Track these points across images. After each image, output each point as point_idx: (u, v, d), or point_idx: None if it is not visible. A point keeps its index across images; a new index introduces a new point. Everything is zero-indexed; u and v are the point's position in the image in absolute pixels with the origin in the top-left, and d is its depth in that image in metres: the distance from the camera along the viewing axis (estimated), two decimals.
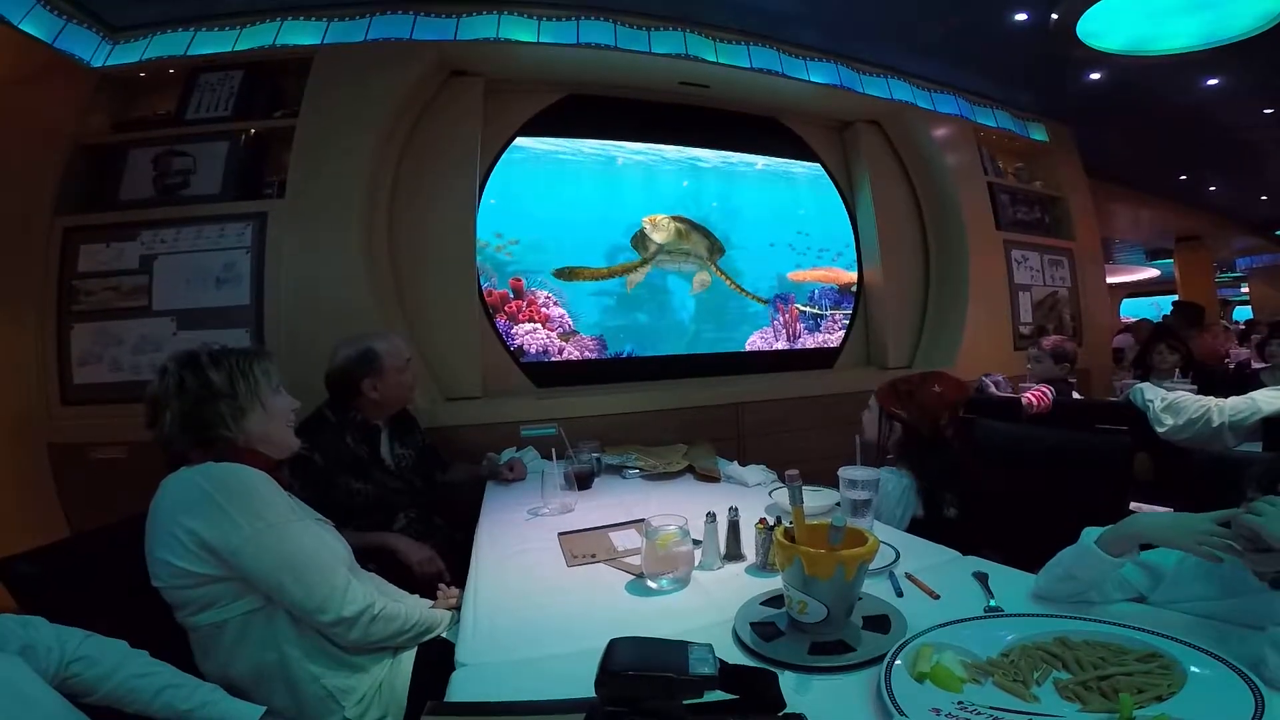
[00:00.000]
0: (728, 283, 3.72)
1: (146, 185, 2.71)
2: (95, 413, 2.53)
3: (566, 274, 3.37)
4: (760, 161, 3.88)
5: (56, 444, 2.52)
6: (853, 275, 4.05)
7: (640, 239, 3.53)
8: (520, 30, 2.95)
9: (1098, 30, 3.34)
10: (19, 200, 2.54)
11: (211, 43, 2.83)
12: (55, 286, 2.58)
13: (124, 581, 1.16)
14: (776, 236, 3.87)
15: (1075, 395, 3.03)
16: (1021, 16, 3.29)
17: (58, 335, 2.57)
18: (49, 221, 2.59)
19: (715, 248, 3.70)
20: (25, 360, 2.52)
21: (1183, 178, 6.61)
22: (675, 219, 3.60)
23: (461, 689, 0.91)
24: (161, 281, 2.61)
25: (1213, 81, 4.12)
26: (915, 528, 1.64)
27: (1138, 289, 13.41)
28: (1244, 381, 3.07)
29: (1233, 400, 2.17)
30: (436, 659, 1.20)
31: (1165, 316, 5.65)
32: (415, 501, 2.01)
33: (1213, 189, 7.14)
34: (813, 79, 3.54)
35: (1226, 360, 4.46)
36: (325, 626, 1.15)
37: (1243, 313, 12.02)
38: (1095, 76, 4.00)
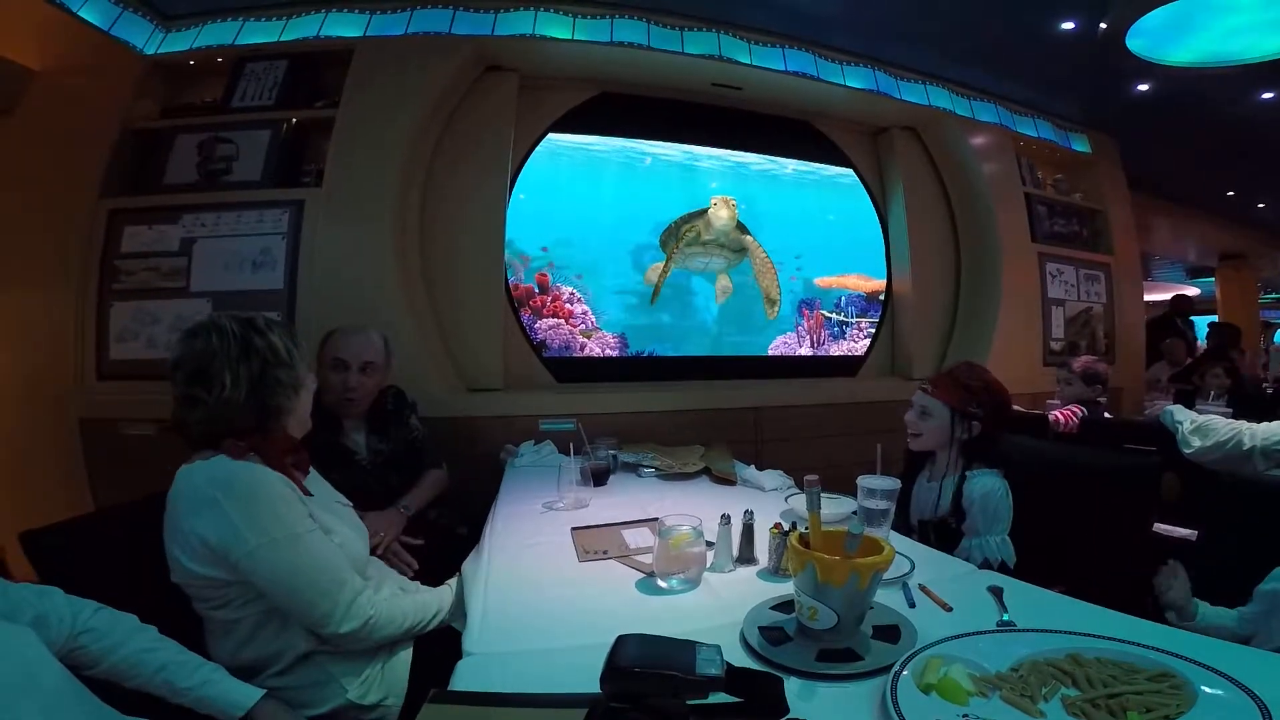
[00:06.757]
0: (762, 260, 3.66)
1: (190, 170, 2.78)
2: (128, 388, 2.60)
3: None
4: (790, 165, 3.84)
5: (88, 419, 2.59)
6: (879, 283, 4.00)
7: (699, 214, 3.53)
8: (556, 27, 2.97)
9: (1149, 42, 3.25)
10: (68, 182, 2.63)
11: (258, 32, 2.91)
12: (98, 265, 2.66)
13: (144, 559, 1.17)
14: (798, 241, 3.83)
15: (1106, 415, 2.96)
16: (1068, 25, 3.21)
17: (98, 312, 2.66)
18: (95, 203, 2.68)
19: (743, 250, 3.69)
20: (66, 335, 2.61)
21: (1230, 193, 6.39)
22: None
23: (466, 678, 0.91)
24: (200, 264, 2.68)
25: (1268, 95, 3.98)
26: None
27: None
28: None
29: (1266, 425, 2.10)
30: (440, 649, 1.20)
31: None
32: (389, 497, 1.91)
33: (1261, 206, 6.89)
34: (848, 83, 3.50)
35: (1265, 385, 4.32)
36: (325, 638, 1.17)
37: None
38: (1143, 88, 3.88)
